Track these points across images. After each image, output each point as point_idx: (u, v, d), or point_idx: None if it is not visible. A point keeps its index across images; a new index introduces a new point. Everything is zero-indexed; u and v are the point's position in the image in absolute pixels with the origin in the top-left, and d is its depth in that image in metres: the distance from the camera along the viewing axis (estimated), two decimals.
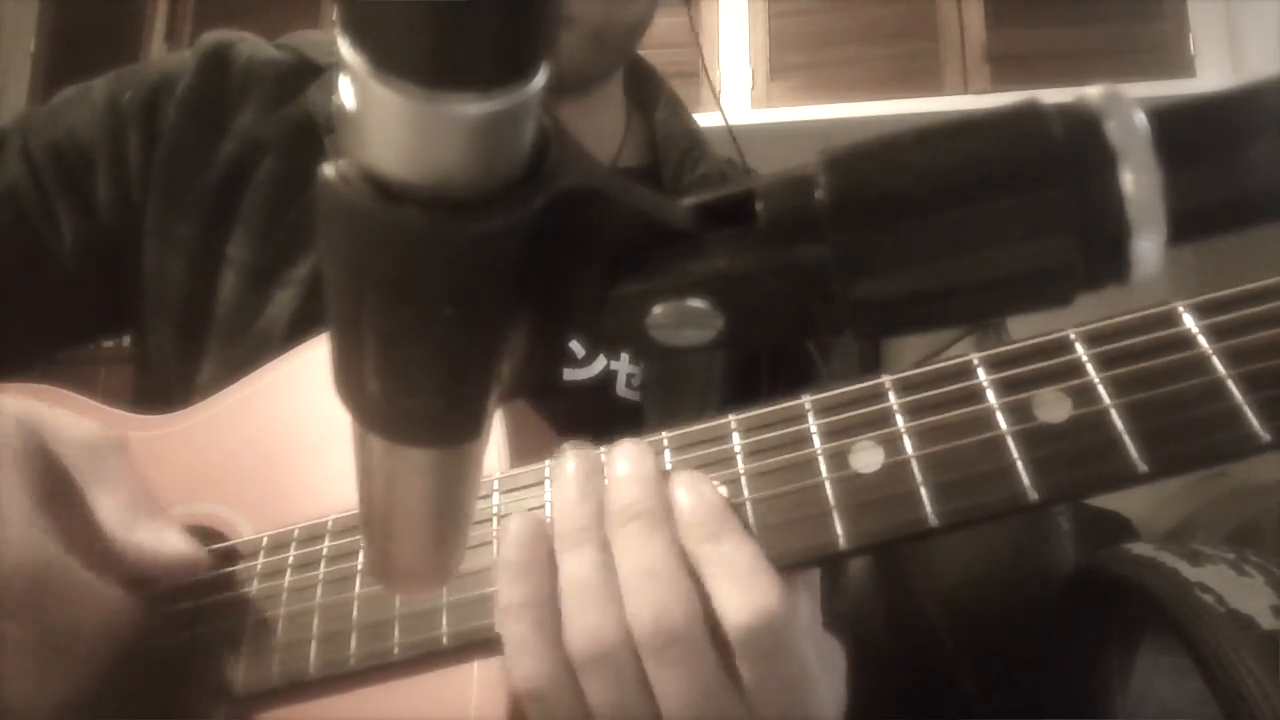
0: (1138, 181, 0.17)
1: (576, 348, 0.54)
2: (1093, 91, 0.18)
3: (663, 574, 0.30)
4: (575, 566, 0.31)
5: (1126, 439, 0.30)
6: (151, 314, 0.56)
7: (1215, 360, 0.30)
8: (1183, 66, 1.90)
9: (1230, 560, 0.65)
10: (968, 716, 0.72)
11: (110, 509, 0.37)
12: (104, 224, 0.55)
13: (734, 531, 0.31)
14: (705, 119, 0.72)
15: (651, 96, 0.67)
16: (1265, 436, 0.28)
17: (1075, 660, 0.75)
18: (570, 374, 0.53)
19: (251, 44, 0.59)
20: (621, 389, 0.54)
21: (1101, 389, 0.31)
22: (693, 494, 0.32)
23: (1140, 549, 0.72)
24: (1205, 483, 1.46)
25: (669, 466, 0.36)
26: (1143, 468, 0.29)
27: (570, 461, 0.34)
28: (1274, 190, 0.18)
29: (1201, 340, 0.30)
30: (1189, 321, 0.31)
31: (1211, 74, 1.87)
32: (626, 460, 0.33)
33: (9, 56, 2.36)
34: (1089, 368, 0.31)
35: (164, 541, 0.37)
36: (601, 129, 0.63)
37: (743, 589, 0.30)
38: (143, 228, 0.55)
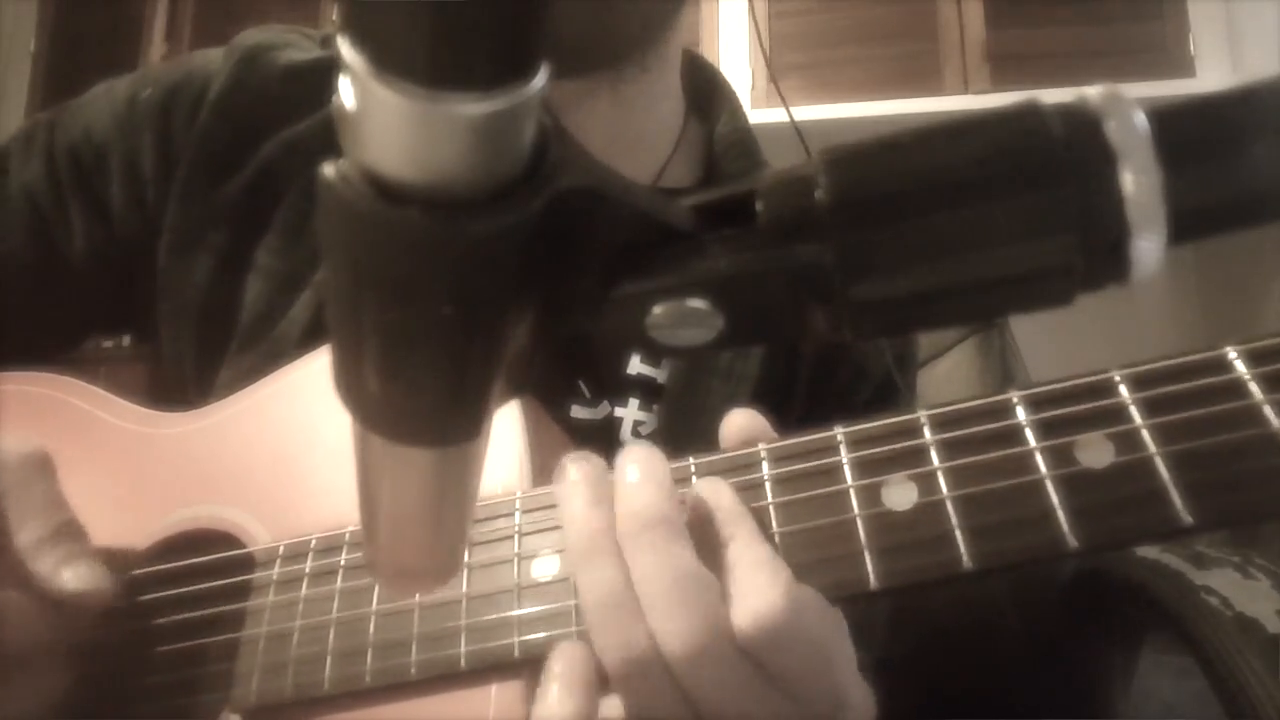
0: (1138, 181, 0.17)
1: (584, 388, 0.53)
2: (1093, 91, 0.18)
3: (688, 583, 0.29)
4: (590, 583, 0.30)
5: (1172, 489, 0.29)
6: (169, 317, 0.55)
7: (1268, 411, 0.29)
8: (1183, 66, 1.90)
9: (1235, 563, 0.65)
10: (970, 717, 0.72)
11: (25, 533, 0.37)
12: (116, 226, 0.54)
13: (744, 533, 0.31)
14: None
15: (715, 104, 0.62)
16: None
17: (1078, 660, 0.75)
18: (577, 411, 0.52)
19: (295, 47, 0.57)
20: (626, 435, 0.52)
21: (1147, 436, 0.30)
22: (711, 499, 0.32)
23: (1144, 550, 0.72)
24: None
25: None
26: (1187, 520, 0.28)
27: (572, 469, 0.32)
28: (1274, 190, 0.18)
29: (1254, 389, 0.29)
30: (1241, 368, 0.30)
31: (1211, 74, 1.87)
32: (636, 464, 0.32)
33: (9, 56, 2.36)
34: (1134, 412, 0.30)
35: (65, 571, 0.37)
36: (645, 132, 0.58)
37: (743, 592, 0.29)
38: (158, 230, 0.54)
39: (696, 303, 0.20)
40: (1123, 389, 0.31)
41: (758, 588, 0.29)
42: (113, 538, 0.43)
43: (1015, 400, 0.32)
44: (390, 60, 0.15)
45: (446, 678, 0.35)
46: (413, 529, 0.24)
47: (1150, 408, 0.30)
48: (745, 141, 0.59)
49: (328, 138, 0.57)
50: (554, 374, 0.51)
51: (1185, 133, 0.18)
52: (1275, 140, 0.18)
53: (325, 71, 0.55)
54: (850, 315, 0.19)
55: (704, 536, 0.31)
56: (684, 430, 0.51)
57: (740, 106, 0.62)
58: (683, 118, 0.61)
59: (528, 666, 0.35)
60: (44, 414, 0.49)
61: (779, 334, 0.21)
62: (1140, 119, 0.18)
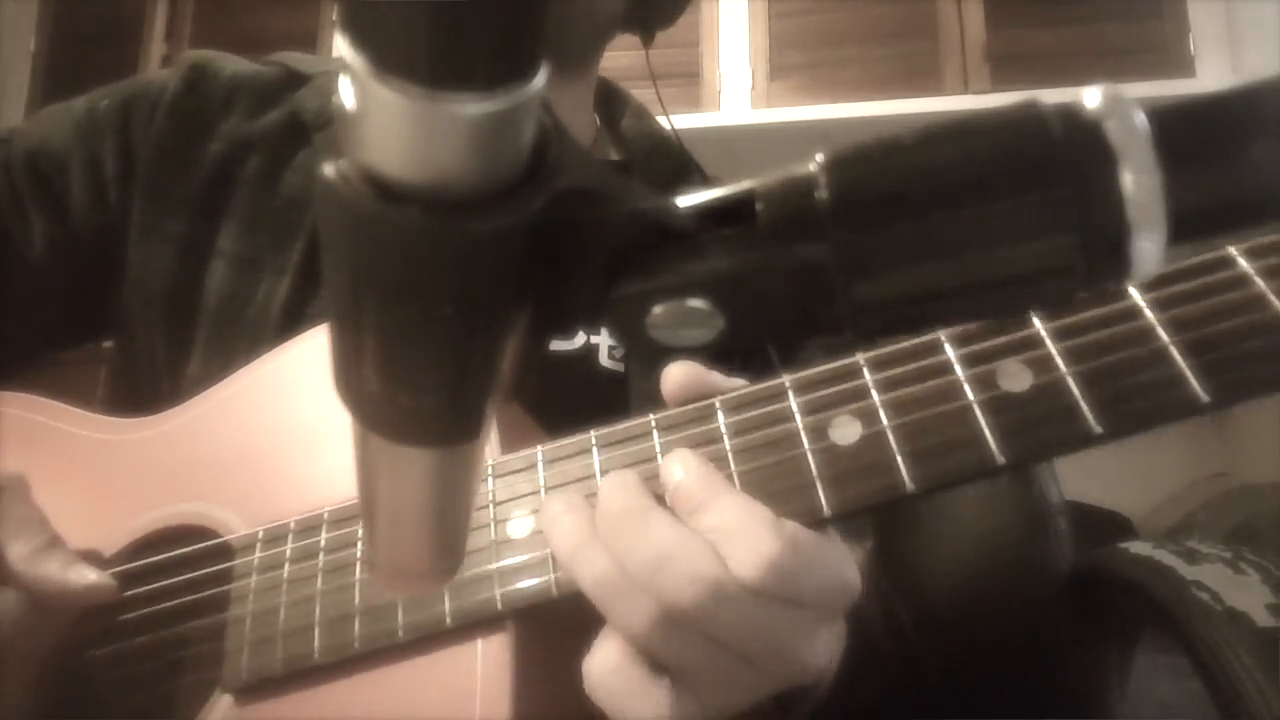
0: (1138, 181, 0.17)
1: None
2: (1093, 91, 0.18)
3: (674, 550, 0.30)
4: (586, 575, 0.31)
5: (1082, 404, 0.32)
6: (137, 311, 0.57)
7: (1160, 330, 0.32)
8: (1183, 66, 1.90)
9: (1226, 559, 0.65)
10: (967, 716, 0.72)
11: (17, 549, 0.40)
12: (77, 228, 0.56)
13: (719, 493, 0.32)
14: (706, 119, 0.75)
15: (618, 109, 0.72)
16: (1205, 398, 0.31)
17: (1074, 660, 0.75)
18: (554, 344, 0.55)
19: (235, 60, 0.62)
20: (604, 360, 0.56)
21: (1059, 359, 0.33)
22: (678, 469, 0.33)
23: (1138, 548, 0.72)
24: (1205, 483, 1.46)
25: (657, 448, 0.37)
26: (1098, 430, 0.31)
27: (552, 497, 0.35)
28: (1274, 190, 0.18)
29: (1148, 312, 0.33)
30: (1135, 295, 0.33)
31: (1211, 74, 1.87)
32: (609, 479, 0.33)
33: (9, 56, 2.36)
34: (1047, 339, 0.33)
35: (71, 573, 0.41)
36: (572, 129, 0.65)
37: (738, 544, 0.30)
38: (123, 229, 0.57)
39: (696, 303, 0.20)
40: (1035, 319, 0.34)
41: (750, 534, 0.30)
42: (85, 545, 0.44)
43: (943, 338, 0.35)
44: (390, 60, 0.15)
45: (434, 637, 0.37)
46: (413, 529, 0.24)
47: (1060, 334, 0.34)
48: (651, 128, 0.70)
49: (277, 135, 0.59)
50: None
51: (1185, 133, 0.18)
52: (1275, 140, 0.18)
53: (267, 81, 0.61)
54: (850, 315, 0.19)
55: (684, 507, 0.32)
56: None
57: (643, 108, 0.73)
58: (596, 120, 0.72)
59: (512, 619, 0.36)
60: (9, 432, 0.50)
61: (779, 334, 0.21)
62: (1140, 119, 0.18)
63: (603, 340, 0.57)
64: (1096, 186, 0.17)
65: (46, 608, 0.40)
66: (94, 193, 0.57)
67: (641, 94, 0.75)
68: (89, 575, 0.41)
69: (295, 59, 0.63)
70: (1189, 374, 0.31)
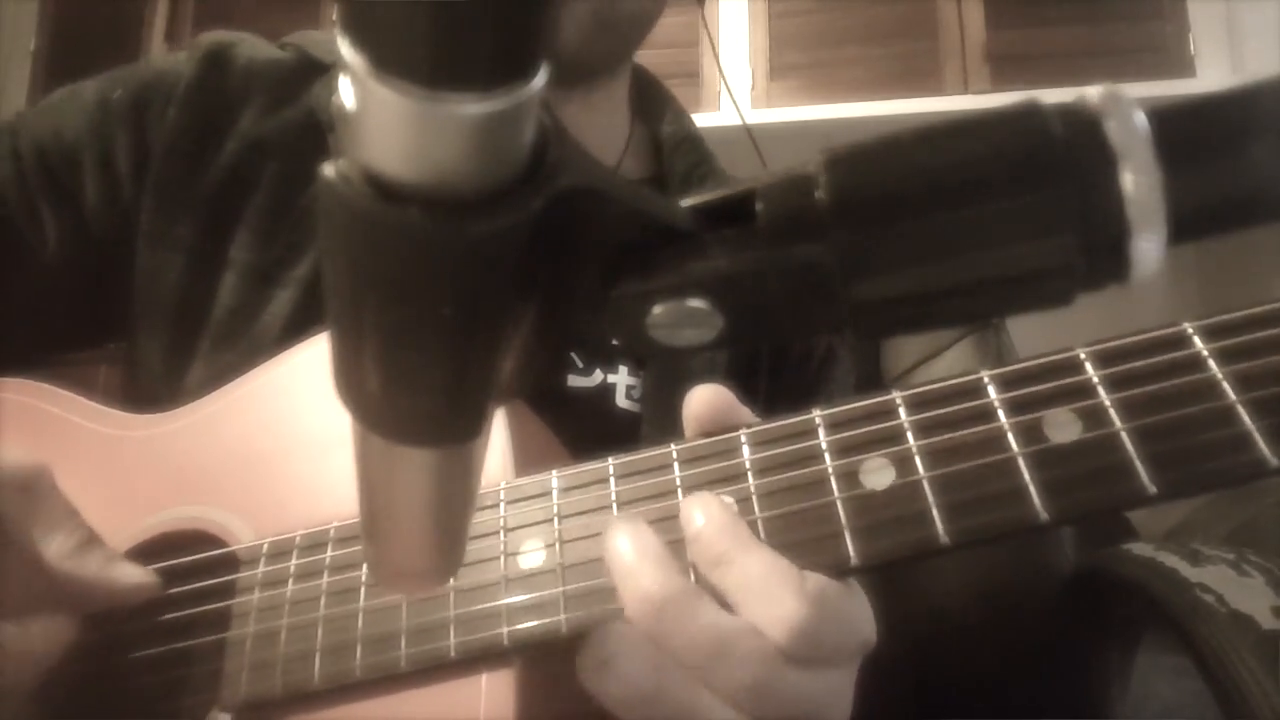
0: (1138, 181, 0.17)
1: (576, 357, 0.54)
2: (1093, 91, 0.18)
3: (722, 640, 0.30)
4: (626, 685, 0.30)
5: (1136, 461, 0.30)
6: (142, 316, 0.55)
7: (1225, 385, 0.30)
8: (1183, 66, 1.90)
9: (1230, 560, 0.65)
10: (968, 716, 0.72)
11: (55, 546, 0.38)
12: (92, 227, 0.54)
13: (744, 548, 0.31)
14: (706, 119, 0.71)
15: (658, 107, 0.66)
16: (1274, 461, 0.28)
17: (1075, 660, 0.75)
18: (573, 381, 0.53)
19: (252, 45, 0.59)
20: (621, 400, 0.54)
21: (1112, 411, 0.31)
22: (699, 515, 0.32)
23: (1140, 549, 0.72)
24: None
25: (678, 481, 0.36)
26: (1152, 490, 0.29)
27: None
28: (1274, 190, 0.18)
29: (1212, 364, 0.30)
30: (1199, 344, 0.31)
31: (1211, 74, 1.87)
32: (628, 539, 0.32)
33: (9, 56, 2.36)
34: (1100, 389, 0.31)
35: (116, 571, 0.39)
36: (604, 133, 0.62)
37: (766, 610, 0.30)
38: (134, 229, 0.54)
39: (696, 303, 0.20)
40: (1088, 366, 0.32)
41: (773, 597, 0.30)
42: None
43: (986, 380, 0.33)
44: (390, 60, 0.15)
45: (437, 669, 0.36)
46: (413, 529, 0.24)
47: (1114, 383, 0.31)
48: (692, 138, 0.64)
49: (295, 137, 0.57)
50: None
51: (1185, 133, 0.18)
52: (1275, 140, 0.18)
53: (284, 70, 0.57)
54: (850, 315, 0.19)
55: (703, 557, 0.31)
56: (669, 394, 0.52)
57: (683, 109, 0.67)
58: (630, 120, 0.65)
59: (517, 654, 0.35)
60: (18, 421, 0.49)
61: (779, 334, 0.21)
62: (1140, 119, 0.18)
63: (620, 380, 0.55)
64: (1096, 186, 0.17)
65: (86, 607, 0.39)
66: (108, 190, 0.54)
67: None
68: (134, 574, 0.39)
69: (314, 42, 0.59)
70: (1257, 437, 0.29)
